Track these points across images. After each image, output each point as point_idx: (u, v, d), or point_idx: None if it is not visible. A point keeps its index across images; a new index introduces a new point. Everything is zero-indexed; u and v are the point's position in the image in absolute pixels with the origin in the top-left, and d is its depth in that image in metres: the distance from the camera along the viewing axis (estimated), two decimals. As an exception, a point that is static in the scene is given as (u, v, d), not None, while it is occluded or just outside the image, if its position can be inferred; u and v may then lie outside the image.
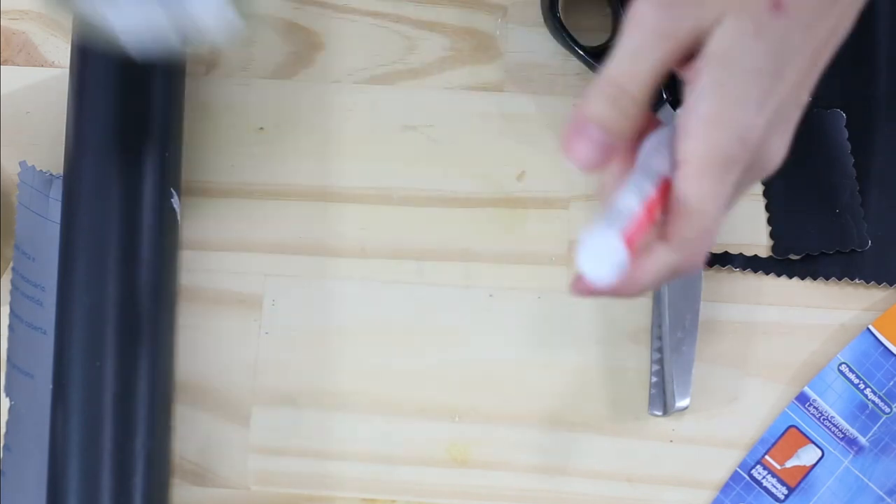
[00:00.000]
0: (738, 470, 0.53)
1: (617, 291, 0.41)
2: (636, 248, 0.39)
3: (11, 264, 0.54)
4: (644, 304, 0.55)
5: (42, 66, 0.59)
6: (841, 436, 0.53)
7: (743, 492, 0.53)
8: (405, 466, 0.54)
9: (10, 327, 0.54)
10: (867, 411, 0.53)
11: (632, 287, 0.41)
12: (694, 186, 0.39)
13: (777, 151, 0.40)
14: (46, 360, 0.52)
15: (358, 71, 0.58)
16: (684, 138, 0.39)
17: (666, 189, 0.40)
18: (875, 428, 0.53)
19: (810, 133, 0.57)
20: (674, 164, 0.39)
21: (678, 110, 0.39)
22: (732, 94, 0.38)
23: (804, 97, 0.41)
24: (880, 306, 0.55)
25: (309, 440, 0.54)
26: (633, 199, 0.39)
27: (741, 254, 0.55)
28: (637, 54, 0.39)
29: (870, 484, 0.53)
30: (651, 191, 0.39)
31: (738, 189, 0.40)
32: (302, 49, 0.59)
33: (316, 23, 0.59)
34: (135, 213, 0.52)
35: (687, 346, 0.52)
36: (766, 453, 0.53)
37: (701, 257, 0.41)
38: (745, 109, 0.38)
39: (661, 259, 0.41)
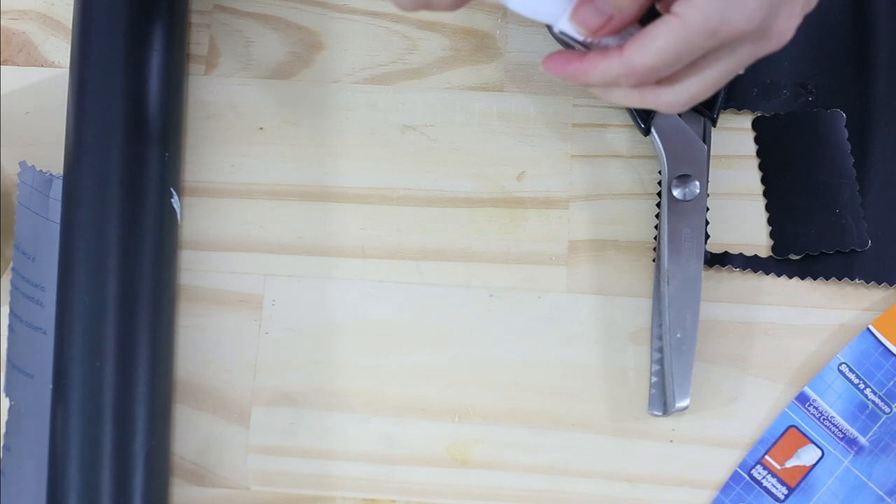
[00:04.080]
0: (738, 470, 0.53)
1: (575, 73, 0.45)
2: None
3: (11, 264, 0.54)
4: (644, 304, 0.55)
5: (42, 66, 0.59)
6: (841, 436, 0.53)
7: (743, 492, 0.53)
8: (405, 466, 0.54)
9: (10, 327, 0.54)
10: (867, 411, 0.54)
11: (584, 72, 0.45)
12: (666, 33, 0.42)
13: (784, 28, 0.43)
14: (46, 360, 0.53)
15: (358, 71, 0.58)
16: (685, 3, 0.42)
17: None
18: (875, 428, 0.53)
19: (810, 133, 0.57)
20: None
21: None
22: None
23: None
24: (880, 306, 0.55)
25: (309, 440, 0.54)
26: None
27: (741, 254, 0.55)
28: None
29: (870, 484, 0.53)
30: None
31: (735, 59, 0.44)
32: (302, 49, 0.59)
33: (316, 23, 0.59)
34: (135, 213, 0.53)
35: (687, 346, 0.52)
36: (766, 453, 0.53)
37: (637, 82, 0.44)
38: None
39: (610, 64, 0.44)
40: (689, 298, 0.53)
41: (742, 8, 0.41)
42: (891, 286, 0.55)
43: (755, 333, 0.55)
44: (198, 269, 0.56)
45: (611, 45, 0.45)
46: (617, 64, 0.43)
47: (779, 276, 0.55)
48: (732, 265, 0.55)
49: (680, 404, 0.52)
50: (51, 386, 0.52)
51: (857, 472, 0.53)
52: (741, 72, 0.46)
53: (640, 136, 0.57)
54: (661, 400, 0.54)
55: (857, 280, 0.55)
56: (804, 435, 0.53)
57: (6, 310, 0.54)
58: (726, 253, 0.56)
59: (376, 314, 0.55)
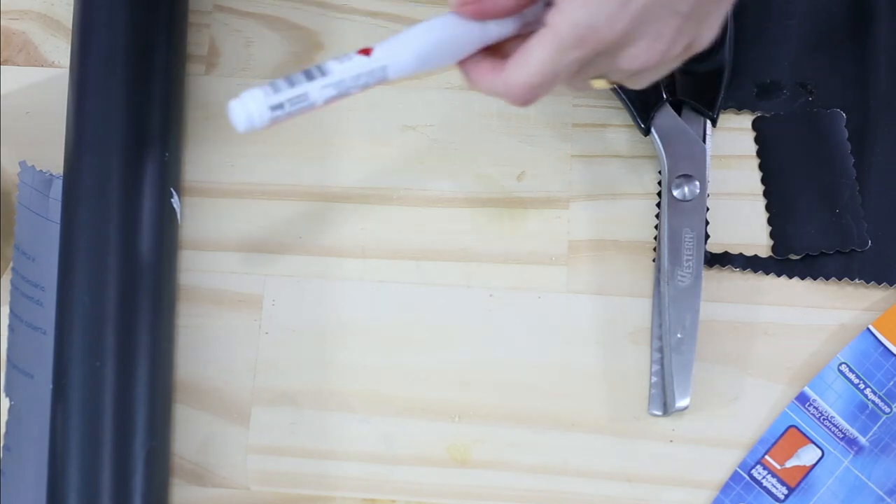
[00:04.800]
0: (738, 470, 0.53)
1: (470, 79, 0.45)
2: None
3: (11, 264, 0.54)
4: (644, 304, 0.55)
5: (42, 66, 0.59)
6: (841, 436, 0.53)
7: (743, 492, 0.53)
8: (405, 466, 0.54)
9: (10, 327, 0.54)
10: (867, 411, 0.53)
11: (475, 81, 0.45)
12: (540, 47, 0.43)
13: (639, 56, 0.44)
14: (46, 360, 0.53)
15: (358, 71, 0.58)
16: (556, 11, 0.42)
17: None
18: (875, 428, 0.53)
19: (810, 133, 0.57)
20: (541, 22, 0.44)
21: None
22: None
23: (683, 7, 0.43)
24: (880, 306, 0.55)
25: (309, 440, 0.54)
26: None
27: (741, 254, 0.55)
28: None
29: (870, 484, 0.53)
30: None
31: (585, 71, 0.44)
32: (302, 49, 0.59)
33: (316, 23, 0.59)
34: (135, 213, 0.53)
35: (687, 346, 0.52)
36: (766, 453, 0.53)
37: (522, 101, 0.44)
38: (609, 4, 0.42)
39: (495, 81, 0.44)
40: (689, 298, 0.53)
41: (608, 17, 0.42)
42: (891, 286, 0.55)
43: (755, 333, 0.55)
44: (198, 269, 0.56)
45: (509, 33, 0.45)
46: (500, 82, 0.44)
47: (779, 276, 0.55)
48: (732, 265, 0.55)
49: (680, 404, 0.52)
50: (51, 386, 0.52)
51: (857, 472, 0.53)
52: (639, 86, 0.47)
53: (640, 136, 0.57)
54: (661, 400, 0.54)
55: (857, 280, 0.55)
56: (804, 435, 0.53)
57: (6, 310, 0.54)
58: (726, 253, 0.55)
59: (376, 314, 0.55)
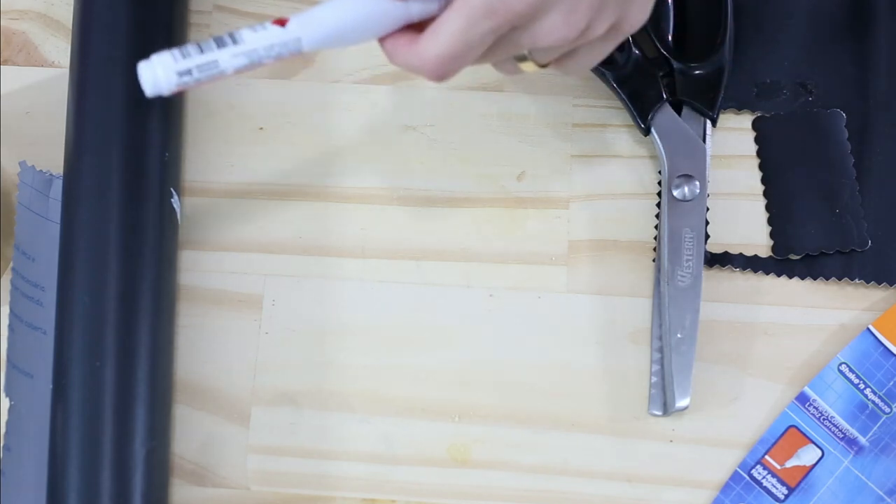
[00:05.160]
0: (738, 470, 0.53)
1: (387, 53, 0.45)
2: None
3: (11, 264, 0.54)
4: (644, 304, 0.55)
5: (42, 66, 0.59)
6: (841, 436, 0.53)
7: (743, 492, 0.53)
8: (405, 466, 0.54)
9: (10, 327, 0.54)
10: (867, 411, 0.53)
11: (391, 54, 0.45)
12: (452, 18, 0.42)
13: (550, 28, 0.43)
14: (46, 360, 0.52)
15: (358, 71, 0.58)
16: None
17: None
18: (875, 428, 0.53)
19: (810, 133, 0.57)
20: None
21: None
22: None
23: None
24: (880, 306, 0.55)
25: (309, 440, 0.54)
26: None
27: (741, 254, 0.55)
28: None
29: (870, 484, 0.53)
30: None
31: (503, 47, 0.44)
32: (302, 49, 0.59)
33: (316, 23, 0.59)
34: (135, 213, 0.52)
35: (687, 346, 0.52)
36: (766, 453, 0.53)
37: (434, 75, 0.44)
38: None
39: (408, 55, 0.44)
40: (689, 298, 0.53)
41: None
42: (891, 286, 0.55)
43: (755, 333, 0.55)
44: (198, 269, 0.56)
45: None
46: (413, 56, 0.44)
47: (779, 276, 0.55)
48: (732, 265, 0.55)
49: (680, 404, 0.52)
50: (51, 386, 0.52)
51: (857, 472, 0.53)
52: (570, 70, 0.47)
53: (640, 136, 0.57)
54: (661, 400, 0.54)
55: (857, 280, 0.55)
56: (804, 435, 0.53)
57: (6, 310, 0.54)
58: (726, 253, 0.55)
59: (376, 314, 0.55)
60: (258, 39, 0.43)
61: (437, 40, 0.43)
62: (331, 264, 0.56)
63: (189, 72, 0.42)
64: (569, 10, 0.43)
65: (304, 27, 0.43)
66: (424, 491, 0.53)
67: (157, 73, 0.42)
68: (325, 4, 0.44)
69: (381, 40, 0.45)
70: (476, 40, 0.43)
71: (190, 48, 0.42)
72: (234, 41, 0.43)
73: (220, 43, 0.43)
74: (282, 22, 0.43)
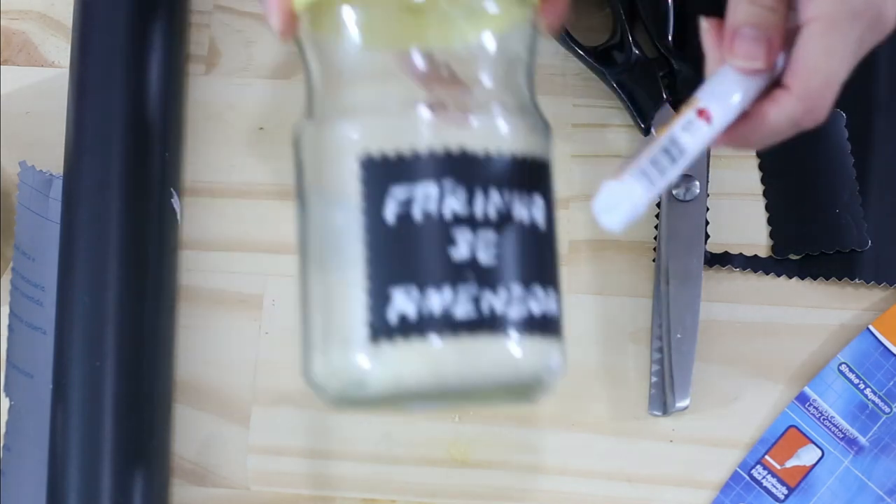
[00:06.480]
0: (738, 470, 0.53)
1: (739, 139, 0.42)
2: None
3: (11, 264, 0.54)
4: (644, 304, 0.55)
5: (42, 66, 0.59)
6: (841, 436, 0.53)
7: (743, 492, 0.53)
8: (405, 466, 0.54)
9: (10, 327, 0.54)
10: (867, 411, 0.53)
11: (755, 135, 0.43)
12: (822, 41, 0.41)
13: (893, 8, 0.42)
14: (46, 360, 0.52)
15: (358, 71, 0.58)
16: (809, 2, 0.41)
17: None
18: (875, 428, 0.53)
19: (810, 133, 0.57)
20: (799, 21, 0.41)
21: None
22: None
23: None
24: (880, 306, 0.55)
25: (309, 440, 0.54)
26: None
27: (741, 254, 0.55)
28: None
29: (870, 484, 0.53)
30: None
31: (860, 47, 0.42)
32: (302, 49, 0.59)
33: (316, 23, 0.59)
34: (135, 213, 0.53)
35: (687, 346, 0.52)
36: (766, 453, 0.53)
37: (824, 111, 0.43)
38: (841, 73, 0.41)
39: (785, 107, 0.42)
40: (689, 298, 0.53)
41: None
42: (891, 286, 0.55)
43: (755, 333, 0.55)
44: (198, 269, 0.56)
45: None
46: (792, 102, 0.41)
47: (779, 276, 0.55)
48: (732, 265, 0.55)
49: (680, 404, 0.52)
50: (51, 386, 0.52)
51: (857, 472, 0.53)
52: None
53: (640, 136, 0.57)
54: (661, 400, 0.54)
55: (857, 280, 0.55)
56: (804, 435, 0.53)
57: (6, 310, 0.54)
58: (726, 253, 0.55)
59: (376, 314, 0.55)
60: (695, 144, 0.39)
61: (759, 133, 0.42)
62: (331, 264, 0.56)
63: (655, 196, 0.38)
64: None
65: (721, 118, 0.40)
66: (424, 491, 0.53)
67: (637, 206, 0.38)
68: (724, 84, 0.41)
69: (746, 119, 0.42)
70: (850, 52, 0.42)
71: (648, 168, 0.37)
72: (681, 153, 0.38)
73: (669, 157, 0.38)
74: (705, 114, 0.39)
